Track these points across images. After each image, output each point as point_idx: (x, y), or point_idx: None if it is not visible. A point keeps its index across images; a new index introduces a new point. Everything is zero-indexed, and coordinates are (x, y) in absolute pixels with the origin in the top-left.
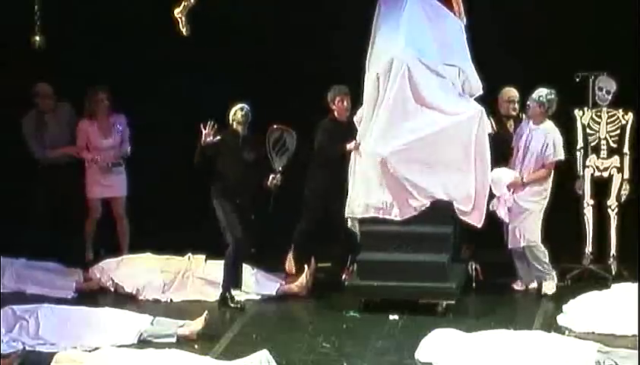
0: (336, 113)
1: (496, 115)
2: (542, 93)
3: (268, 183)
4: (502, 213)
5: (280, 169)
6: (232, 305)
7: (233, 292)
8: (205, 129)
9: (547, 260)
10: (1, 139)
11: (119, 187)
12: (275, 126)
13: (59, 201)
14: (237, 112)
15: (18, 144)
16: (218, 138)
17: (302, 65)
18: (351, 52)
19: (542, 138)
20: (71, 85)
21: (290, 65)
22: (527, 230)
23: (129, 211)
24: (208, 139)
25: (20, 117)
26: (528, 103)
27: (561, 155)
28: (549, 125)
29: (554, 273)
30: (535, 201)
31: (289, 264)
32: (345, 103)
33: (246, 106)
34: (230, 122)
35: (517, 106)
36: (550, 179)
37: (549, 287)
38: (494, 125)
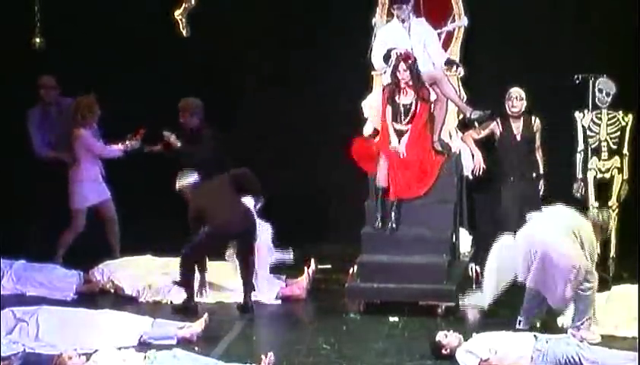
0: None
1: (503, 116)
2: None
3: None
4: None
5: None
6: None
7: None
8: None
9: None
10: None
11: (104, 190)
12: None
13: (59, 201)
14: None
15: (17, 144)
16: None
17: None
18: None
19: None
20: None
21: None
22: None
23: (129, 213)
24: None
25: (20, 117)
26: None
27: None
28: None
29: None
30: None
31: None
32: None
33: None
34: None
35: (517, 103)
36: None
37: None
38: (500, 126)
